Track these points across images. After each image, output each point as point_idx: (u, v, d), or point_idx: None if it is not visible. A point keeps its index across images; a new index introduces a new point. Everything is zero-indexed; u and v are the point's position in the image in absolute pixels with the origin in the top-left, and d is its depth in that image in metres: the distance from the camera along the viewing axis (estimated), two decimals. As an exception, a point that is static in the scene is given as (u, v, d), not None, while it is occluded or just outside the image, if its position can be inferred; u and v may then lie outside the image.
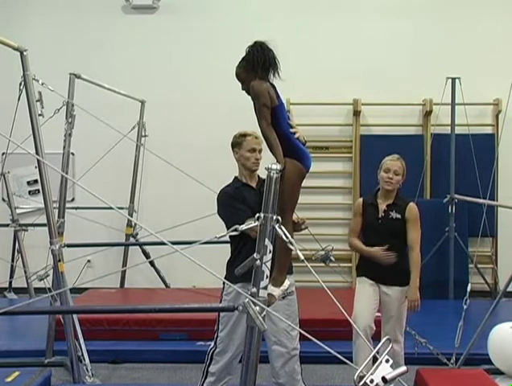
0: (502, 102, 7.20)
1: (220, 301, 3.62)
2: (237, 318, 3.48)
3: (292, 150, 3.13)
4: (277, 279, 3.15)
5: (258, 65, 3.11)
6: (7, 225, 6.96)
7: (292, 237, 3.03)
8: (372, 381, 1.89)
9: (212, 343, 3.65)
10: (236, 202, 3.54)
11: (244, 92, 3.21)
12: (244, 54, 3.19)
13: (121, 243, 7.20)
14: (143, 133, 7.12)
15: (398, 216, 4.10)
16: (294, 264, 3.56)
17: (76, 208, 6.75)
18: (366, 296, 4.12)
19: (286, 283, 3.22)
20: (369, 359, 2.03)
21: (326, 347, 2.14)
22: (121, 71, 7.50)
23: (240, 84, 3.22)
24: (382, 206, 4.15)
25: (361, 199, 4.36)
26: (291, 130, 3.17)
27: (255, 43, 3.15)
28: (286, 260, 3.20)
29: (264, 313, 2.28)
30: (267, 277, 2.41)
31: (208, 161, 7.33)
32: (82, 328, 4.78)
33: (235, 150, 3.70)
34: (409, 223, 4.09)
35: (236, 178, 3.73)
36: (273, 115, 3.09)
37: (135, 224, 7.06)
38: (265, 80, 3.13)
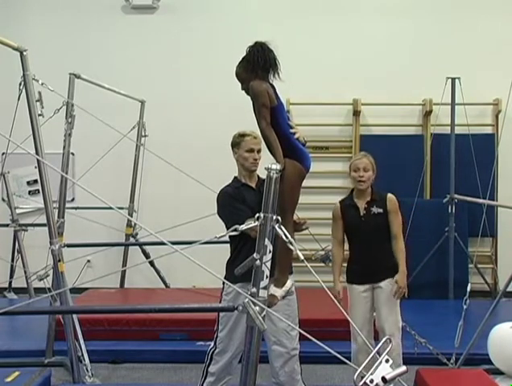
0: (502, 102, 7.20)
1: (220, 302, 3.62)
2: (237, 318, 3.48)
3: (292, 151, 3.13)
4: (279, 280, 3.15)
5: (258, 65, 3.11)
6: (7, 225, 6.96)
7: (293, 238, 3.05)
8: (372, 381, 1.89)
9: (212, 343, 3.65)
10: (235, 202, 3.54)
11: (243, 92, 3.21)
12: (244, 54, 3.19)
13: (121, 243, 7.20)
14: (143, 133, 7.12)
15: (380, 211, 4.11)
16: (294, 265, 3.55)
17: (76, 208, 6.75)
18: (360, 308, 4.12)
19: (289, 283, 3.22)
20: (369, 358, 2.03)
21: (326, 347, 2.14)
22: (121, 71, 7.50)
23: (240, 84, 3.22)
24: (362, 204, 4.15)
25: (338, 204, 4.29)
26: (291, 131, 3.17)
27: (256, 43, 3.15)
28: (287, 260, 3.20)
29: (264, 313, 2.28)
30: (267, 277, 2.41)
31: (208, 161, 7.32)
32: (82, 328, 4.78)
33: (234, 150, 3.70)
34: (391, 214, 4.11)
35: (235, 178, 3.73)
36: (272, 115, 3.09)
37: (135, 224, 7.06)
38: (265, 81, 3.13)
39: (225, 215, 3.58)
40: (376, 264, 4.08)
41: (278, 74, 3.17)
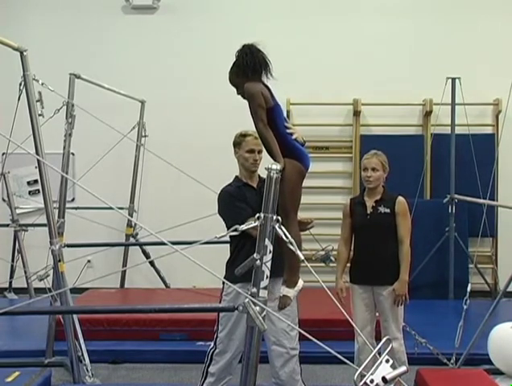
0: (502, 102, 7.20)
1: (220, 302, 3.62)
2: (237, 319, 3.48)
3: (290, 150, 3.12)
4: (290, 280, 3.14)
5: (248, 68, 3.10)
6: (7, 225, 6.96)
7: (300, 237, 3.04)
8: (372, 381, 1.89)
9: (212, 344, 3.65)
10: (237, 201, 3.54)
11: (240, 96, 3.19)
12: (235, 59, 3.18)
13: (121, 243, 7.20)
14: (143, 133, 7.12)
15: (387, 211, 4.08)
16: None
17: (76, 208, 6.74)
18: (361, 308, 4.13)
19: (300, 283, 3.20)
20: (369, 359, 2.03)
21: (326, 347, 2.14)
22: (121, 71, 7.50)
23: (235, 90, 3.21)
24: (370, 202, 4.14)
25: (348, 201, 4.33)
26: (288, 131, 3.15)
27: (243, 46, 3.14)
28: (296, 260, 3.18)
29: (264, 313, 2.28)
30: (267, 277, 2.41)
31: (208, 161, 7.32)
32: (82, 328, 4.77)
33: (235, 150, 3.71)
34: (398, 217, 4.08)
35: (237, 177, 3.74)
36: (269, 116, 3.07)
37: (135, 224, 7.06)
38: (258, 82, 3.12)
39: (226, 214, 3.58)
40: (377, 265, 4.05)
41: (270, 73, 3.15)
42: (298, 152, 3.16)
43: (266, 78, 3.15)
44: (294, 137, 3.15)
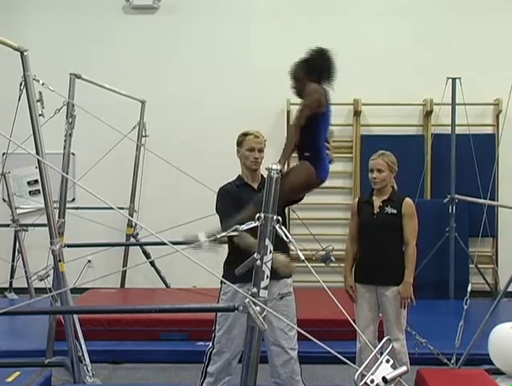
0: (503, 102, 7.19)
1: (218, 301, 3.62)
2: (234, 319, 3.48)
3: (317, 158, 3.22)
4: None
5: (316, 70, 3.24)
6: (8, 225, 6.96)
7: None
8: (372, 381, 1.88)
9: (210, 343, 3.65)
10: (227, 198, 3.55)
11: (292, 90, 3.29)
12: (304, 54, 3.37)
13: (122, 243, 7.19)
14: (143, 133, 7.12)
15: (394, 211, 4.08)
16: (294, 265, 3.54)
17: (77, 208, 6.74)
18: (364, 308, 4.13)
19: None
20: (369, 359, 2.02)
21: (326, 347, 2.14)
22: (121, 71, 7.50)
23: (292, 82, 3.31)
24: (377, 202, 4.14)
25: (356, 199, 4.37)
26: (327, 145, 3.26)
27: (321, 48, 3.39)
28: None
29: (264, 313, 2.28)
30: (267, 277, 2.41)
31: (208, 161, 7.32)
32: (82, 328, 4.77)
33: (238, 149, 3.72)
34: (405, 218, 4.07)
35: (239, 176, 3.74)
36: (319, 119, 3.19)
37: (136, 224, 7.05)
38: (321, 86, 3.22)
39: (221, 211, 3.58)
40: (382, 265, 4.04)
41: (331, 85, 3.35)
42: (321, 163, 3.27)
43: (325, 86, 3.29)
44: (327, 152, 3.23)
